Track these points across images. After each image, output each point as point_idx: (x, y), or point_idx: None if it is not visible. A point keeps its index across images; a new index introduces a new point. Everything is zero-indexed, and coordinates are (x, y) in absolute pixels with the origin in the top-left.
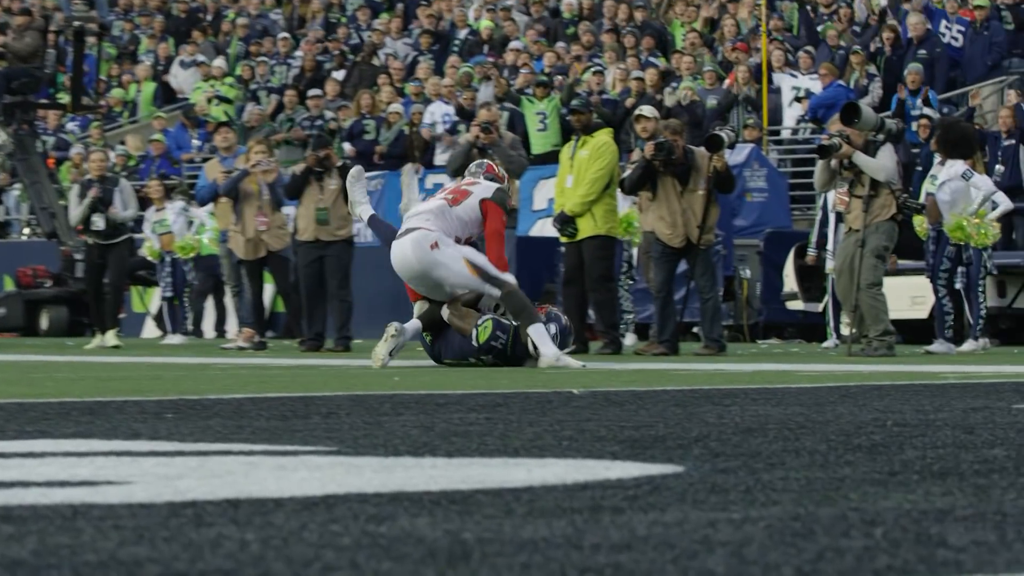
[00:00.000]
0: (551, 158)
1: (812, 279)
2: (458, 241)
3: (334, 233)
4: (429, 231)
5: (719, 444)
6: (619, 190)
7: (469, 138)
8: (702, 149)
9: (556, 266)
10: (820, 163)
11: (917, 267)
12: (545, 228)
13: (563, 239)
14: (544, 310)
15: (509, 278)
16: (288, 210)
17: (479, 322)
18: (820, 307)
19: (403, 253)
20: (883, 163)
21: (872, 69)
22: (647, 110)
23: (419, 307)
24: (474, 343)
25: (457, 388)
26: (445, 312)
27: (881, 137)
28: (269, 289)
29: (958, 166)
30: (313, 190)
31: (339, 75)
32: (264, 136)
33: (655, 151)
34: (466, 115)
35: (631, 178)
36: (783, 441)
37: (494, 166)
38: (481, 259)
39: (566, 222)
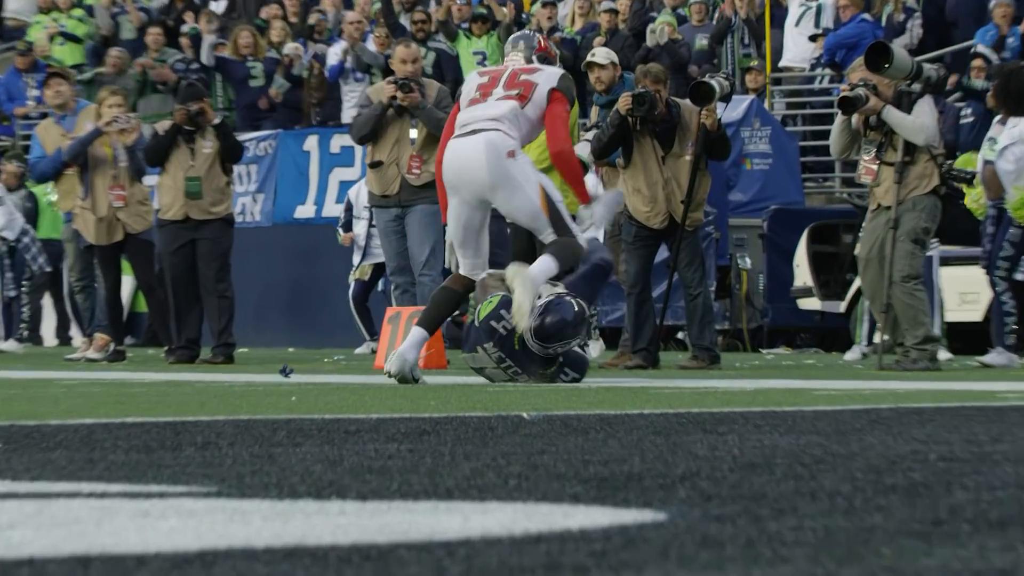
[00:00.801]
0: None
1: (831, 269)
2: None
3: (209, 210)
4: (507, 135)
5: (712, 484)
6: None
7: (382, 97)
8: (688, 102)
9: (498, 253)
10: (838, 121)
11: (968, 255)
12: None
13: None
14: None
15: (580, 235)
16: (151, 180)
17: (488, 296)
18: (842, 306)
19: (471, 155)
20: (921, 121)
21: (911, 1)
22: (600, 54)
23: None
24: (475, 322)
25: (372, 411)
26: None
27: (918, 87)
28: (128, 283)
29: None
30: (181, 155)
31: (219, 6)
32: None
33: (634, 104)
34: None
35: (600, 138)
36: (795, 480)
37: (543, 39)
38: (558, 194)
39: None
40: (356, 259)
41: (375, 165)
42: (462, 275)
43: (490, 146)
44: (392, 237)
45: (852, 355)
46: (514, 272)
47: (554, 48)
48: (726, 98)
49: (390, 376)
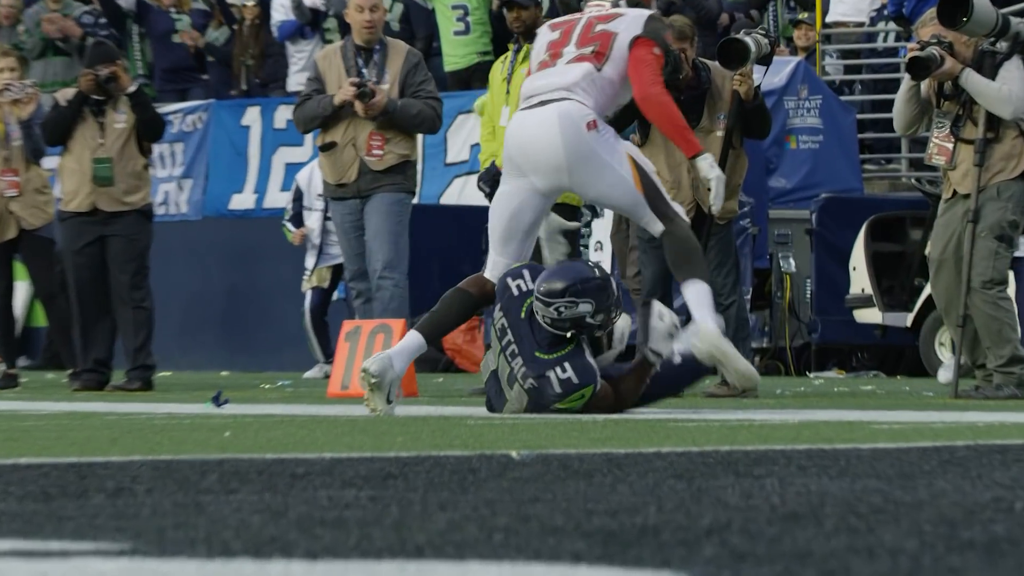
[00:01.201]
0: (476, 79)
1: (896, 273)
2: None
3: (122, 200)
4: (583, 105)
5: (745, 539)
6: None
7: (337, 98)
8: (719, 65)
9: (483, 251)
10: (904, 88)
11: None
12: (467, 190)
13: None
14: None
15: (680, 211)
16: (51, 163)
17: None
18: (909, 319)
19: (542, 131)
20: (1009, 89)
21: None
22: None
23: (440, 315)
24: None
25: (325, 449)
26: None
27: (1004, 46)
28: (22, 290)
29: None
30: (88, 131)
31: None
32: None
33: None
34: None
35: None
36: (848, 534)
37: None
38: (650, 164)
39: (499, 181)
40: (310, 262)
41: (327, 147)
42: (486, 277)
43: (564, 118)
44: (351, 234)
45: (945, 374)
46: (708, 342)
47: None
48: (765, 60)
49: (365, 375)
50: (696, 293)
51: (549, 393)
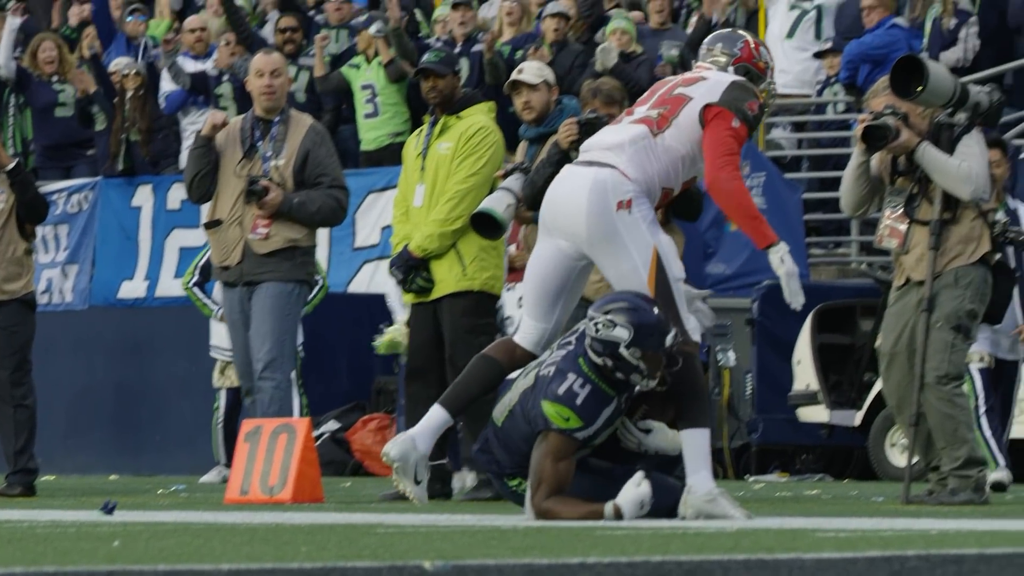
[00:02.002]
0: (389, 157)
1: (844, 368)
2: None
3: (2, 288)
4: (624, 176)
5: None
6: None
7: (204, 128)
8: None
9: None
10: (853, 164)
11: None
12: (377, 277)
13: (407, 297)
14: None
15: (694, 330)
16: None
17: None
18: (858, 417)
19: (572, 195)
20: (969, 165)
21: (964, 1)
22: (530, 71)
23: (463, 388)
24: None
25: (222, 560)
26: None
27: (963, 117)
28: None
29: None
30: None
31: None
32: None
33: (581, 134)
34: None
35: (535, 182)
36: None
37: (753, 43)
38: (679, 269)
39: (413, 267)
40: (218, 349)
41: (211, 225)
42: (515, 342)
43: (597, 187)
44: (238, 327)
45: (1000, 474)
46: (696, 507)
47: (767, 57)
48: None
49: (387, 461)
50: (694, 445)
51: (552, 388)
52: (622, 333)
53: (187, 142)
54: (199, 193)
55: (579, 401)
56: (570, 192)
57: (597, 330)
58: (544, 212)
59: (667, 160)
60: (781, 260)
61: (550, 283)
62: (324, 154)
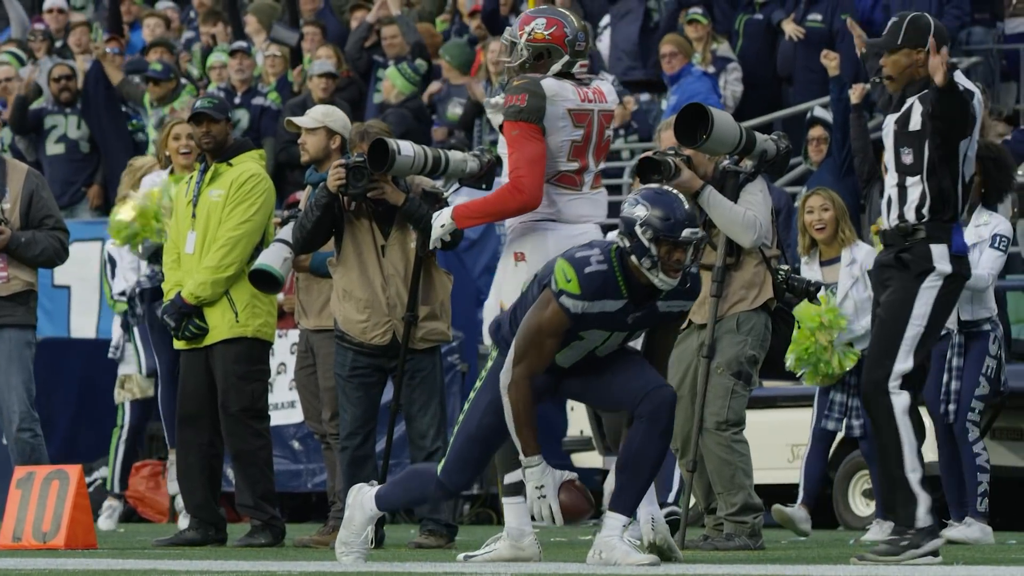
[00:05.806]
0: None
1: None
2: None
3: None
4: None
5: None
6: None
7: None
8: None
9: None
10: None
11: (806, 394)
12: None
13: (178, 344)
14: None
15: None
16: None
17: None
18: None
19: None
20: (754, 214)
21: (724, 47)
22: (312, 114)
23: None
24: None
25: None
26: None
27: (749, 165)
28: None
29: (995, 221)
30: None
31: None
32: None
33: (349, 178)
34: None
35: (304, 226)
36: None
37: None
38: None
39: (185, 314)
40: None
41: None
42: None
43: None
44: None
45: (876, 531)
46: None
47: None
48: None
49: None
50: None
51: (573, 251)
52: (640, 210)
53: None
54: None
55: (588, 270)
56: None
57: (623, 208)
58: None
59: None
60: None
61: None
62: (47, 196)
